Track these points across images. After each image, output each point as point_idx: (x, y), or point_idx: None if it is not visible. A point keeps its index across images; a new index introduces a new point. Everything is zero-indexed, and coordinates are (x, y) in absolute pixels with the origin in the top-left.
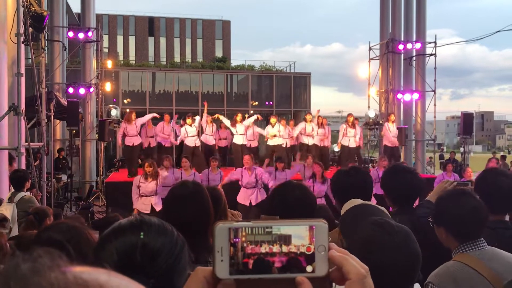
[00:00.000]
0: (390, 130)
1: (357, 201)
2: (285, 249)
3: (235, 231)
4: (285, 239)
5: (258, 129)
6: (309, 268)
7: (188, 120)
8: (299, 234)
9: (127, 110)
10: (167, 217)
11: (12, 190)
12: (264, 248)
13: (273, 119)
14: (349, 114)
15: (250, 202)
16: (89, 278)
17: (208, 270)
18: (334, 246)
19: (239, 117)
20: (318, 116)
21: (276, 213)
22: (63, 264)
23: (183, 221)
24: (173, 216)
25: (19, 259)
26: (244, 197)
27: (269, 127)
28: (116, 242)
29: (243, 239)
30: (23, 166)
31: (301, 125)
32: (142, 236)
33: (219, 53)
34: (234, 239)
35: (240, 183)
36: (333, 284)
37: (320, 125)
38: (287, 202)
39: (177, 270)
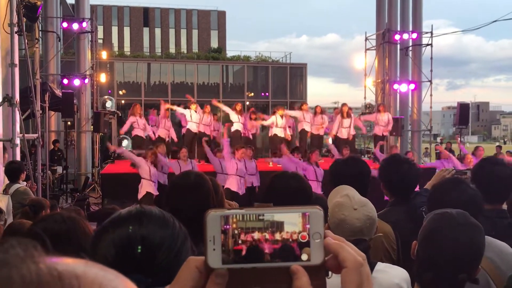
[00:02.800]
0: (382, 120)
1: (344, 189)
2: (277, 236)
3: (225, 218)
4: (278, 226)
5: (268, 122)
6: (304, 257)
7: (193, 106)
8: (292, 221)
9: (123, 102)
10: (168, 208)
11: (7, 181)
12: (256, 235)
13: (281, 111)
14: (344, 104)
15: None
16: (64, 270)
17: (200, 259)
18: (330, 234)
19: (238, 106)
20: (317, 106)
21: (273, 204)
22: (37, 255)
23: (184, 212)
24: (174, 207)
25: None
26: (237, 185)
27: (278, 119)
28: (113, 234)
29: (234, 225)
30: (18, 158)
31: (297, 113)
32: (141, 229)
33: (214, 43)
34: (225, 226)
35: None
36: (330, 272)
37: (318, 113)
38: (283, 192)
39: (178, 265)
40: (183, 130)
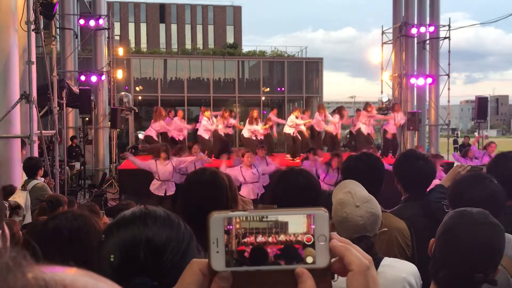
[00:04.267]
0: (397, 120)
1: (347, 184)
2: (282, 237)
3: (228, 220)
4: (282, 227)
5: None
6: (309, 259)
7: (207, 113)
8: (297, 222)
9: (139, 98)
10: (184, 204)
11: (25, 178)
12: (260, 236)
13: (297, 112)
14: (369, 105)
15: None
16: (51, 279)
17: (204, 262)
18: (335, 236)
19: (255, 114)
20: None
21: (280, 201)
22: (25, 264)
23: (199, 209)
24: (189, 203)
25: None
26: (248, 192)
27: (295, 119)
28: (118, 236)
29: (237, 226)
30: (36, 154)
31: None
32: (145, 231)
33: (230, 39)
34: (228, 226)
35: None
36: (335, 275)
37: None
38: (291, 189)
39: (184, 267)
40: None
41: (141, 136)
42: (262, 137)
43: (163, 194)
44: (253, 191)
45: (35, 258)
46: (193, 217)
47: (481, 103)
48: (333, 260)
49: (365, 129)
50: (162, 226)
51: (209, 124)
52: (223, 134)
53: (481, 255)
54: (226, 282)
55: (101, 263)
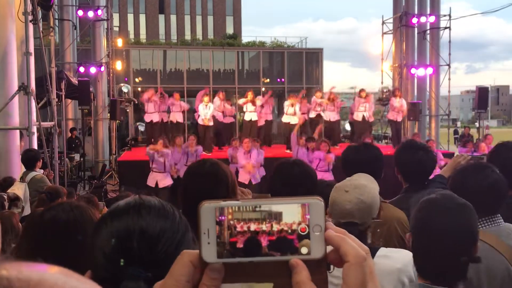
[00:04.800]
0: (394, 105)
1: (356, 176)
2: (275, 227)
3: (220, 210)
4: (276, 217)
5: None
6: (304, 250)
7: (205, 99)
8: (291, 211)
9: (139, 89)
10: (184, 195)
11: (24, 169)
12: (253, 226)
13: (291, 100)
14: (362, 90)
15: (250, 181)
16: (15, 277)
17: (195, 253)
18: (331, 226)
19: (250, 96)
20: (331, 93)
21: (278, 192)
22: None
23: (198, 200)
24: (189, 195)
25: None
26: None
27: (289, 109)
28: (111, 226)
29: (230, 216)
30: (35, 146)
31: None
32: (139, 221)
33: (230, 29)
34: (220, 217)
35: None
36: (331, 266)
37: (331, 100)
38: (288, 180)
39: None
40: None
41: (141, 128)
42: (263, 123)
43: (153, 185)
44: (251, 176)
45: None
46: (193, 209)
47: (482, 93)
48: (328, 250)
49: (361, 116)
50: (157, 217)
51: (204, 110)
52: (222, 120)
53: (459, 239)
54: (218, 273)
55: (94, 253)
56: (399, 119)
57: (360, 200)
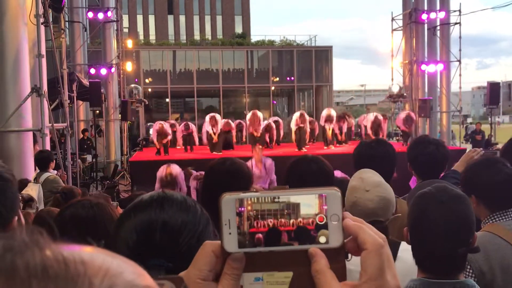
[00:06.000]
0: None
1: (362, 172)
2: (293, 217)
3: (240, 201)
4: (294, 208)
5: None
6: (322, 239)
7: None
8: (309, 202)
9: (149, 90)
10: (205, 191)
11: (37, 170)
12: (271, 217)
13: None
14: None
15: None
16: (70, 255)
17: (216, 244)
18: (349, 215)
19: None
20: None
21: (293, 187)
22: (42, 241)
23: (218, 196)
24: (210, 191)
25: None
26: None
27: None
28: (135, 219)
29: (249, 208)
30: (48, 147)
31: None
32: (162, 214)
33: (238, 29)
34: (240, 208)
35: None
36: (349, 254)
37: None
38: (304, 176)
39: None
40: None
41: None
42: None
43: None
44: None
45: (52, 236)
46: (213, 204)
47: (493, 88)
48: (346, 239)
49: (373, 117)
50: (179, 210)
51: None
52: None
53: (455, 230)
54: (239, 263)
55: (117, 244)
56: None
57: (381, 197)
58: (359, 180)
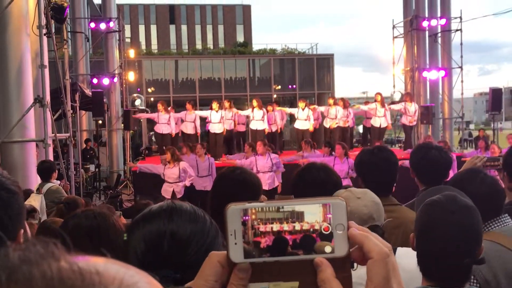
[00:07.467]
0: (409, 110)
1: (344, 189)
2: (297, 226)
3: (245, 211)
4: (298, 216)
5: (289, 110)
6: (327, 249)
7: (214, 105)
8: (313, 211)
9: (152, 99)
10: (214, 200)
11: (40, 181)
12: (275, 226)
13: (301, 103)
14: (377, 93)
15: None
16: (85, 266)
17: (222, 254)
18: (354, 225)
19: (255, 103)
20: (341, 99)
21: (301, 196)
22: (57, 252)
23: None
24: (219, 200)
25: (9, 248)
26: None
27: (299, 112)
28: (144, 229)
29: (253, 216)
30: (51, 157)
31: (322, 108)
32: (170, 224)
33: (240, 38)
34: (244, 217)
35: (254, 170)
36: (355, 264)
37: (344, 107)
38: (312, 184)
39: None
40: (206, 126)
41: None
42: (272, 131)
43: (169, 197)
44: (264, 181)
45: (66, 247)
46: (221, 212)
47: (495, 94)
48: (352, 249)
49: (379, 122)
50: (188, 221)
51: (215, 115)
52: (232, 128)
53: (464, 242)
54: (245, 273)
55: (127, 254)
56: (413, 123)
57: (373, 202)
58: (347, 191)
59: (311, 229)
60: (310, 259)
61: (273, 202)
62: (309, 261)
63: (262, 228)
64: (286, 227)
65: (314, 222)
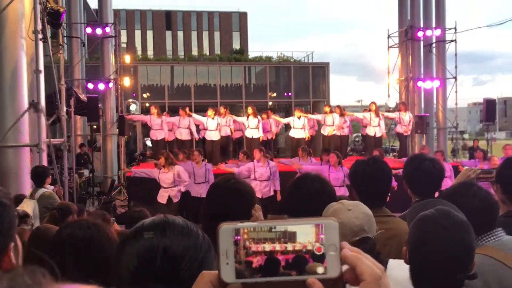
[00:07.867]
0: (403, 120)
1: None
2: (289, 246)
3: (237, 230)
4: (290, 236)
5: (285, 120)
6: (320, 269)
7: (210, 112)
8: (305, 231)
9: (147, 105)
10: (208, 209)
11: (34, 186)
12: (267, 246)
13: (297, 112)
14: (372, 102)
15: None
16: None
17: (214, 274)
18: (346, 245)
19: (250, 110)
20: (337, 106)
21: (295, 206)
22: (44, 282)
23: (220, 216)
24: (213, 209)
25: None
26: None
27: (295, 120)
28: (137, 244)
29: (245, 236)
30: (45, 163)
31: (319, 116)
32: (163, 239)
33: (236, 45)
34: (236, 237)
35: (252, 177)
36: (347, 285)
37: (341, 115)
38: (306, 195)
39: None
40: (202, 134)
41: (149, 143)
42: (267, 138)
43: (165, 202)
44: (259, 189)
45: (53, 277)
46: (214, 222)
47: (489, 105)
48: (344, 270)
49: (374, 132)
50: (181, 235)
51: (211, 122)
52: (229, 135)
53: (457, 257)
54: None
55: (120, 269)
56: (407, 133)
57: (364, 213)
58: (338, 204)
59: (304, 249)
60: (302, 279)
61: (266, 222)
62: (301, 282)
63: (254, 248)
64: (278, 247)
65: (307, 242)
